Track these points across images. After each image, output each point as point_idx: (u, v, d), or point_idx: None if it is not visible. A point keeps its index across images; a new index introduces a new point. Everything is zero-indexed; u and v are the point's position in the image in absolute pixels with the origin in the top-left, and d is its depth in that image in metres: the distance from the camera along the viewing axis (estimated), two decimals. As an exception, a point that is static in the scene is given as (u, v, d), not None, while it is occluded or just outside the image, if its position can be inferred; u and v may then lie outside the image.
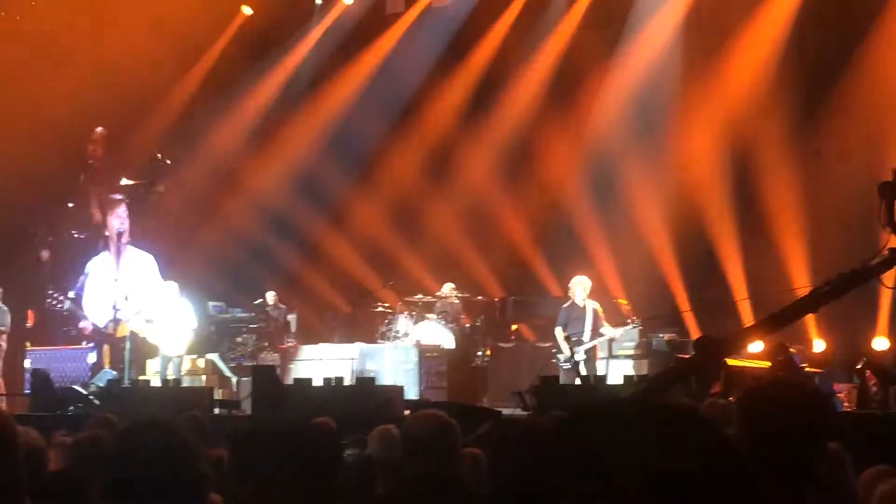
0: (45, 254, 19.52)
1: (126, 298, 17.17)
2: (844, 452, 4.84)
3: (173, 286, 16.31)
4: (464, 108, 19.50)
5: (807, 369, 12.62)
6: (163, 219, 19.84)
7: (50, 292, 18.36)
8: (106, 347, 17.52)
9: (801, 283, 15.01)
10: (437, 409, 4.29)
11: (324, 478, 2.87)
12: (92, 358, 17.82)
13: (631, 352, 15.13)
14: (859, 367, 12.05)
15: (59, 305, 18.29)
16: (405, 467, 4.01)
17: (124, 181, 19.70)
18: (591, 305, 14.40)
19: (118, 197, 19.28)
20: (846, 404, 11.95)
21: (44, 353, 17.80)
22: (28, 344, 18.10)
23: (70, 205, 20.91)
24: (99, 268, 19.47)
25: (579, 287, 14.55)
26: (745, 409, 2.74)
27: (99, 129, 20.51)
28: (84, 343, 18.55)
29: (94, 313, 18.83)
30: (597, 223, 18.47)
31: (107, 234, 19.25)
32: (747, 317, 14.48)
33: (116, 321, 16.96)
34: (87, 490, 4.39)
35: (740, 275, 16.61)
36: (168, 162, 19.30)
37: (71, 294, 18.70)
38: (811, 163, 16.32)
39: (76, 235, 20.61)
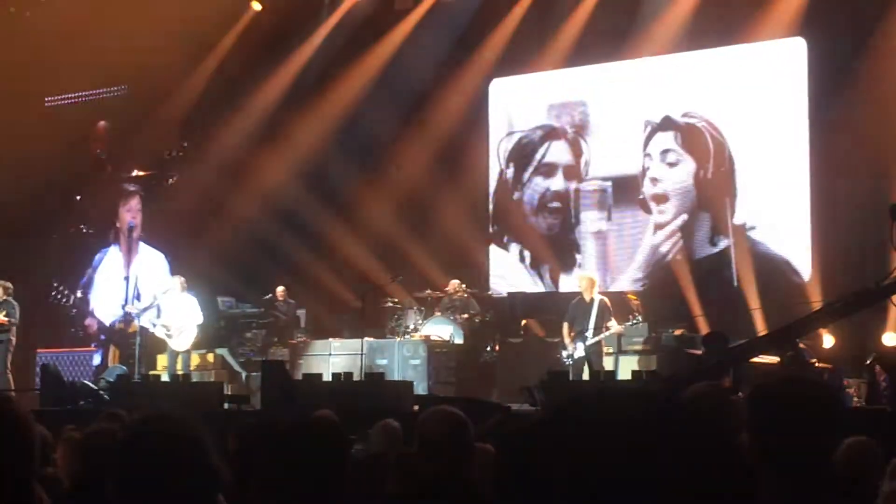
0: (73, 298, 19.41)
1: (137, 298, 17.23)
2: (877, 448, 4.81)
3: (179, 280, 16.31)
4: (474, 103, 19.48)
5: (816, 364, 12.57)
6: (173, 213, 19.87)
7: (55, 284, 18.36)
8: (112, 348, 17.55)
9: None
10: (449, 405, 4.26)
11: (329, 471, 2.86)
12: (96, 360, 17.85)
13: (640, 347, 15.12)
14: (869, 362, 12.02)
15: (64, 300, 18.31)
16: (419, 466, 3.99)
17: (136, 173, 19.75)
18: (598, 300, 14.49)
19: (132, 188, 19.33)
20: (855, 400, 11.92)
21: (51, 356, 17.83)
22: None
23: (77, 197, 20.93)
24: (107, 262, 19.51)
25: (585, 282, 14.84)
26: (754, 405, 2.72)
27: (101, 123, 20.55)
28: (93, 345, 18.57)
29: (101, 309, 18.87)
30: (599, 221, 18.46)
31: (118, 225, 19.27)
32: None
33: (127, 320, 17.00)
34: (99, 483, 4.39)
35: (752, 283, 16.43)
36: (181, 151, 19.31)
37: (78, 293, 18.72)
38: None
39: (84, 230, 20.63)
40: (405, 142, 19.26)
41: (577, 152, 18.91)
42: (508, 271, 19.23)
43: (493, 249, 19.53)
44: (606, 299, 14.71)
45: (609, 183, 18.45)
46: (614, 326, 14.44)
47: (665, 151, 17.88)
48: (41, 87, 20.61)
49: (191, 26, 18.35)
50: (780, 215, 16.77)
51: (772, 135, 16.88)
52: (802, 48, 16.61)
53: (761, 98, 17.02)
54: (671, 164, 17.82)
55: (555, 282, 18.78)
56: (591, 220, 18.64)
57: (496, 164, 19.70)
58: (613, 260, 18.34)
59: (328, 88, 19.86)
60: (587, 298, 14.59)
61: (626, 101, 18.22)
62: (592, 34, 18.21)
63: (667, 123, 17.86)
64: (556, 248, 18.84)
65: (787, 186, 16.64)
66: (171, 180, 19.67)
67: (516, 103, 19.68)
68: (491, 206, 19.73)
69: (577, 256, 18.65)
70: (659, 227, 17.84)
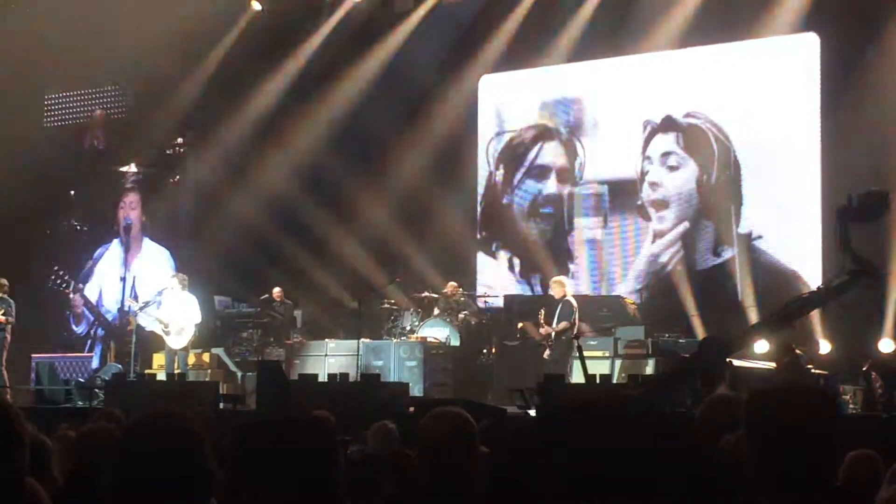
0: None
1: (135, 297, 17.23)
2: (879, 459, 4.79)
3: (180, 278, 16.27)
4: (472, 104, 19.45)
5: (812, 371, 12.57)
6: (172, 211, 19.84)
7: (56, 268, 18.34)
8: (112, 346, 17.52)
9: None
10: (450, 408, 4.23)
11: (321, 471, 2.86)
12: (95, 362, 17.83)
13: (636, 351, 15.11)
14: (865, 369, 12.04)
15: (63, 285, 18.29)
16: (419, 468, 3.96)
17: (134, 167, 19.71)
18: (563, 301, 15.11)
19: (129, 185, 19.31)
20: (851, 406, 11.93)
21: (48, 360, 17.80)
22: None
23: (72, 192, 20.85)
24: (109, 257, 19.48)
25: (551, 283, 15.49)
26: (752, 412, 2.70)
27: (98, 111, 20.50)
28: (87, 340, 18.51)
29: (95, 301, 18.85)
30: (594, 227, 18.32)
31: (115, 227, 19.23)
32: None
33: (122, 321, 17.00)
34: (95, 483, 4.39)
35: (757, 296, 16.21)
36: (182, 147, 19.31)
37: (79, 284, 18.68)
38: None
39: (78, 227, 20.55)
40: (403, 143, 19.24)
41: (571, 154, 18.37)
42: (496, 280, 18.77)
43: (481, 257, 19.25)
44: (572, 300, 15.11)
45: (605, 187, 17.92)
46: (561, 325, 14.93)
47: (666, 154, 17.30)
48: (40, 83, 20.59)
49: (191, 26, 18.35)
50: (788, 223, 16.13)
51: (780, 137, 16.26)
52: (815, 43, 16.07)
53: (769, 98, 16.40)
54: (672, 168, 17.23)
55: (546, 291, 18.43)
56: (585, 227, 18.13)
57: (485, 166, 19.39)
58: (609, 269, 17.82)
59: (327, 89, 19.84)
60: (556, 298, 15.15)
61: (625, 99, 17.64)
62: (592, 29, 17.84)
63: (668, 124, 17.28)
64: (548, 255, 18.32)
65: (797, 193, 16.08)
66: (173, 179, 19.59)
67: (507, 101, 19.16)
68: (479, 211, 19.42)
69: (571, 266, 18.16)
70: (658, 235, 17.35)
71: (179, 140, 20.44)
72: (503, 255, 19.04)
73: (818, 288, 8.74)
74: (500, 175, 19.17)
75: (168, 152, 19.91)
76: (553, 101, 18.70)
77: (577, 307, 15.12)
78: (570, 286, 15.75)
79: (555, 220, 18.52)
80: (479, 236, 19.38)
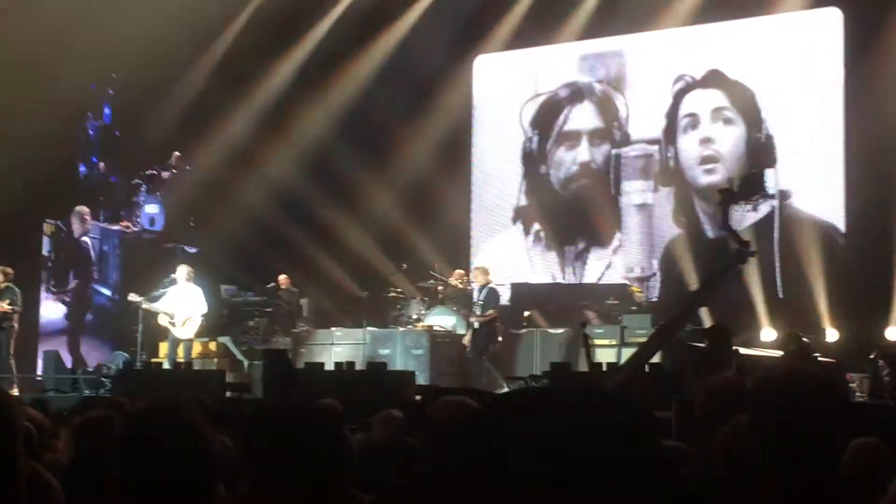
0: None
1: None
2: (883, 447, 4.78)
3: (186, 270, 16.27)
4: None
5: (819, 359, 12.57)
6: (177, 201, 19.78)
7: (52, 285, 18.39)
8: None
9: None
10: (458, 396, 4.22)
11: (327, 460, 2.86)
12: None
13: (644, 339, 15.12)
14: (872, 357, 12.03)
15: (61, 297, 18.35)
16: (425, 456, 3.95)
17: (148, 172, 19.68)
18: (486, 291, 15.59)
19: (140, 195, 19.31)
20: (858, 395, 11.93)
21: (54, 350, 17.81)
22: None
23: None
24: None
25: (477, 273, 15.99)
26: (759, 398, 2.68)
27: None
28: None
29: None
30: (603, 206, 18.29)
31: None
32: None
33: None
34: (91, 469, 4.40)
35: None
36: (187, 168, 19.35)
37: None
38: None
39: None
40: (410, 130, 19.22)
41: (611, 113, 18.20)
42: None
43: (479, 245, 19.30)
44: (496, 288, 15.69)
45: (655, 147, 17.68)
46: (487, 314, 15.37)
47: (718, 109, 17.12)
48: (42, 74, 20.51)
49: (197, 12, 18.29)
50: (814, 185, 16.03)
51: (805, 108, 16.27)
52: (838, 18, 16.08)
53: (794, 72, 16.40)
54: (727, 122, 17.00)
55: (573, 266, 18.36)
56: (634, 191, 17.88)
57: (480, 152, 19.47)
58: (659, 240, 17.55)
59: (334, 76, 19.82)
60: (478, 286, 15.76)
61: (661, 64, 17.60)
62: (605, 7, 17.91)
63: (713, 80, 17.15)
64: (588, 226, 18.14)
65: (821, 158, 16.02)
66: (167, 172, 19.48)
67: (534, 70, 19.05)
68: (473, 202, 19.54)
69: (618, 235, 17.92)
70: (704, 192, 17.03)
71: (185, 129, 20.36)
72: (533, 228, 18.85)
73: (707, 276, 9.23)
74: (535, 142, 18.94)
75: (175, 158, 19.77)
76: (590, 62, 18.50)
77: (501, 295, 15.68)
78: (492, 274, 16.03)
79: (598, 186, 18.16)
80: (472, 220, 19.52)
